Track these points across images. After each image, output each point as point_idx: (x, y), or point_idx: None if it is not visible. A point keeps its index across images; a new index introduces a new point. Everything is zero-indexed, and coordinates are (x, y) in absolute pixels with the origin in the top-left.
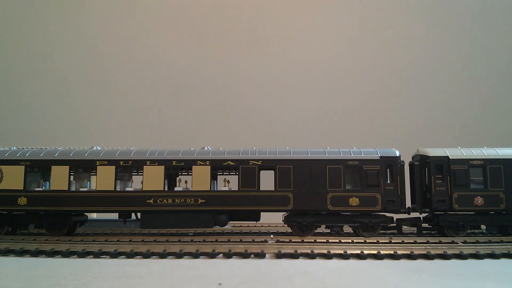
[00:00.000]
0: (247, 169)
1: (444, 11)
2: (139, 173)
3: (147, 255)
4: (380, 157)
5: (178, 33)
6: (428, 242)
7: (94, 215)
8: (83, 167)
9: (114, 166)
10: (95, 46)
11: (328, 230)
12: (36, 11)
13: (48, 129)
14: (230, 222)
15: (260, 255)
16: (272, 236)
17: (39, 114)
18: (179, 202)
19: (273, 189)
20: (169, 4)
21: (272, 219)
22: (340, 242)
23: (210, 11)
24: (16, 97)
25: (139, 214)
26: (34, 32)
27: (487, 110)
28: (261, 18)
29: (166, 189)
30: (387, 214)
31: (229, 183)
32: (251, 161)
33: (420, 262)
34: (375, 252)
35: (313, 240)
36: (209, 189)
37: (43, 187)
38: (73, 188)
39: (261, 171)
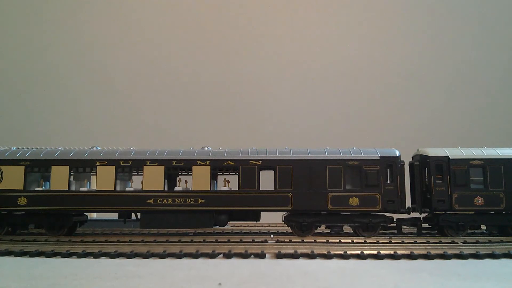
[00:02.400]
0: (247, 169)
1: (445, 11)
2: (139, 173)
3: (147, 255)
4: (380, 157)
5: (178, 33)
6: (428, 242)
7: (94, 215)
8: (83, 167)
9: (114, 166)
10: (95, 46)
11: (328, 230)
12: (36, 11)
13: (48, 129)
14: (230, 222)
15: (260, 255)
16: (272, 236)
17: (39, 114)
18: (179, 202)
19: (273, 189)
20: (169, 4)
21: (272, 219)
22: (340, 242)
23: (211, 11)
24: (16, 97)
25: (139, 214)
26: (34, 32)
27: (487, 110)
28: (262, 18)
29: (166, 189)
30: (387, 214)
31: (229, 183)
32: (251, 161)
33: (420, 262)
34: (375, 252)
35: (313, 240)
36: (209, 189)
37: (43, 187)
38: (73, 188)
39: (261, 171)
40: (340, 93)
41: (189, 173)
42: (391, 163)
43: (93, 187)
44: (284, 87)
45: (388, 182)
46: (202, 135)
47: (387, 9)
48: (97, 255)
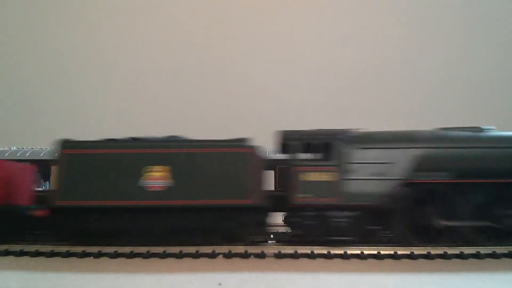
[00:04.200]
0: None
1: (444, 8)
2: None
3: (147, 255)
4: None
5: (178, 32)
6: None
7: None
8: None
9: None
10: (96, 45)
11: None
12: (36, 10)
13: (48, 128)
14: None
15: (260, 255)
16: (272, 236)
17: (39, 114)
18: None
19: (273, 189)
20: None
21: (272, 219)
22: None
23: (213, 10)
24: (15, 97)
25: None
26: (34, 31)
27: (488, 110)
28: (265, 16)
29: None
30: None
31: None
32: None
33: (420, 262)
34: (375, 252)
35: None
36: None
37: (43, 187)
38: None
39: None
40: (340, 93)
41: None
42: None
43: None
44: (285, 87)
45: None
46: (202, 135)
47: (386, 7)
48: (97, 255)
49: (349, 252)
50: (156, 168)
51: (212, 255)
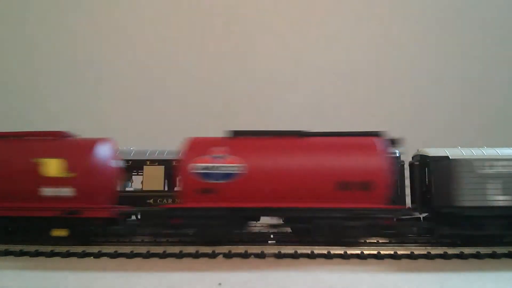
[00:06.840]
0: None
1: (443, 10)
2: (139, 173)
3: (147, 255)
4: None
5: (179, 32)
6: (428, 242)
7: None
8: None
9: None
10: (96, 44)
11: None
12: (35, 9)
13: (48, 129)
14: None
15: (260, 255)
16: (272, 236)
17: (39, 114)
18: (179, 202)
19: None
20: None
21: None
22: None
23: (215, 10)
24: (15, 96)
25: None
26: (34, 30)
27: (488, 110)
28: (263, 16)
29: (166, 189)
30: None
31: None
32: None
33: (420, 262)
34: (375, 252)
35: (313, 240)
36: None
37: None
38: None
39: None
40: (340, 93)
41: None
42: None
43: None
44: (284, 87)
45: None
46: (202, 135)
47: (386, 8)
48: (97, 255)
49: (349, 252)
50: None
51: (212, 255)
